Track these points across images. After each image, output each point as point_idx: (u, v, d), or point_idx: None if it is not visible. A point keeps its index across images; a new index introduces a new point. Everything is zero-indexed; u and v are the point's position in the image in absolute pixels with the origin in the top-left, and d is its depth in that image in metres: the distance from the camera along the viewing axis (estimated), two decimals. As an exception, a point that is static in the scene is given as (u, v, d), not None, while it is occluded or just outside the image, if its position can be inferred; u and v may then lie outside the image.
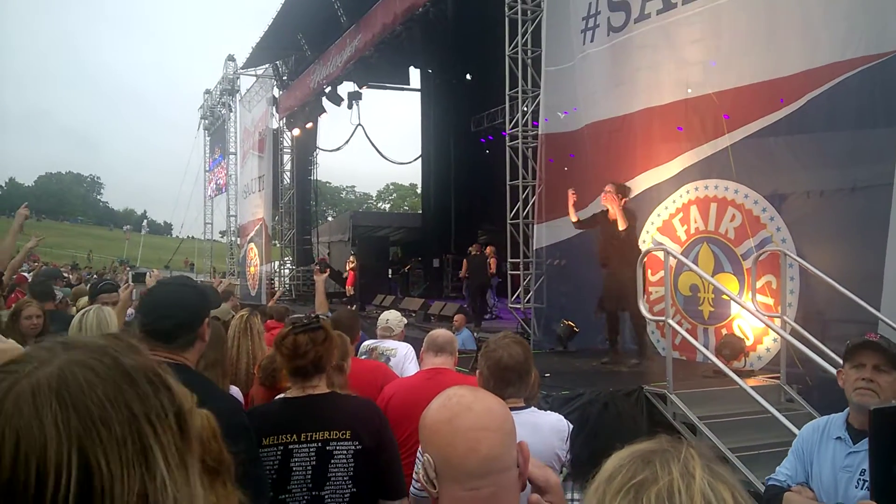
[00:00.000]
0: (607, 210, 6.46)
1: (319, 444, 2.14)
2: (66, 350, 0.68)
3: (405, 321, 4.86)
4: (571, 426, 2.40)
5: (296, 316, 2.47)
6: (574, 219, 6.86)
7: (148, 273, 4.48)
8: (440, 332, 3.49)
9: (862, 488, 2.23)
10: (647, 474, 0.79)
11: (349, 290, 16.46)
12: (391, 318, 4.63)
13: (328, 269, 13.19)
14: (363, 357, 4.19)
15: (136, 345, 0.74)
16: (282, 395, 2.37)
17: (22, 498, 0.58)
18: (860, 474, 2.24)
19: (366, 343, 4.55)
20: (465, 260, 13.66)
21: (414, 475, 2.42)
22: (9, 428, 0.60)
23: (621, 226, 6.26)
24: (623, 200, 6.36)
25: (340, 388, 2.55)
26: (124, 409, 0.65)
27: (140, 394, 0.67)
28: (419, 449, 2.37)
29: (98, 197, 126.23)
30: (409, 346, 4.35)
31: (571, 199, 6.86)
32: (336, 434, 2.15)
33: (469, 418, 1.13)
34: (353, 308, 12.16)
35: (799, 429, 2.65)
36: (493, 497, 1.11)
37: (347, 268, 16.94)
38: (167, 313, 1.98)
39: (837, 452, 2.34)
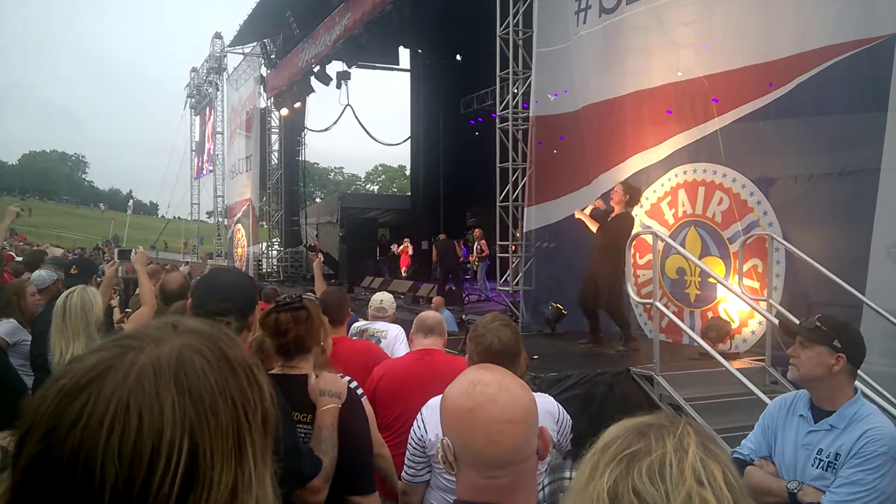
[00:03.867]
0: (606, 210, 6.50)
1: None
2: (177, 333, 0.70)
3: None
4: (562, 409, 2.41)
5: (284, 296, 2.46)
6: (594, 229, 6.51)
7: (133, 250, 4.41)
8: (429, 314, 3.50)
9: (817, 467, 2.26)
10: (641, 446, 0.80)
11: (404, 271, 16.76)
12: (385, 298, 4.60)
13: (321, 253, 13.39)
14: (353, 338, 4.18)
15: (234, 337, 0.76)
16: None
17: (136, 474, 0.61)
18: (817, 453, 2.27)
19: (356, 325, 4.53)
20: (433, 246, 13.96)
21: (407, 458, 2.42)
22: (133, 402, 0.63)
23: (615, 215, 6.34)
24: (626, 198, 6.34)
25: (322, 367, 2.53)
26: (230, 400, 0.68)
27: (241, 387, 0.70)
28: (412, 427, 2.39)
29: (83, 176, 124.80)
30: (400, 327, 4.32)
31: (592, 206, 6.64)
32: (297, 416, 2.09)
33: (493, 410, 1.10)
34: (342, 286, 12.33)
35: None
36: (510, 486, 1.11)
37: (399, 249, 17.14)
38: (226, 295, 1.94)
39: (800, 429, 2.37)
